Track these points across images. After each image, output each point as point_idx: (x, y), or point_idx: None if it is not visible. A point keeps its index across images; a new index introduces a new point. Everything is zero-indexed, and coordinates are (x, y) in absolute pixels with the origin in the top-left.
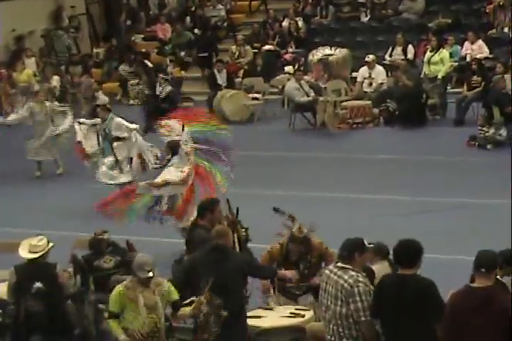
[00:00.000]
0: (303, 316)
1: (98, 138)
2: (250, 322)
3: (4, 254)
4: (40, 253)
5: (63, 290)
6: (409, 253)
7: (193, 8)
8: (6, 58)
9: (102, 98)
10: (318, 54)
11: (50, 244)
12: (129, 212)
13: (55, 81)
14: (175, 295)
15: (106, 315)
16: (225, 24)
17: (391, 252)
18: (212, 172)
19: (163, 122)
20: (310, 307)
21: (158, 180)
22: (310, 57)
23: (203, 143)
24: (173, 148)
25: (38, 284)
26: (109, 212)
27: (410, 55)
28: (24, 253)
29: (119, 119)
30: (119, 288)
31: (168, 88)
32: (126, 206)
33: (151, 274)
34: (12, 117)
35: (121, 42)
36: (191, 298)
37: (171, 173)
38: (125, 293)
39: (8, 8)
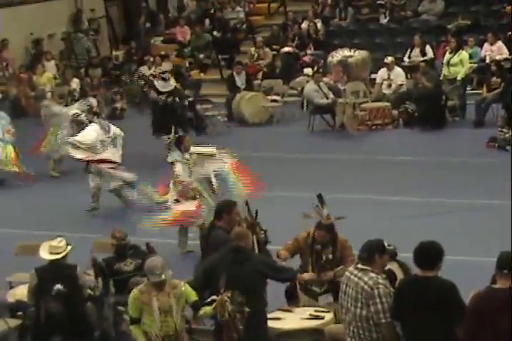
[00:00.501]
0: (322, 318)
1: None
2: (270, 324)
3: (26, 257)
4: (61, 255)
5: (83, 292)
6: (430, 255)
7: (212, 11)
8: (26, 61)
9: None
10: (337, 56)
11: (70, 246)
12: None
13: (75, 83)
14: (193, 296)
15: (126, 317)
16: (244, 26)
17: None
18: None
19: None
20: (329, 308)
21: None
22: (329, 58)
23: None
24: None
25: (59, 286)
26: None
27: (429, 57)
28: (45, 254)
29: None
30: (133, 292)
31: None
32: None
33: (162, 277)
34: None
35: (140, 44)
36: (212, 298)
37: None
38: (140, 297)
39: (28, 12)
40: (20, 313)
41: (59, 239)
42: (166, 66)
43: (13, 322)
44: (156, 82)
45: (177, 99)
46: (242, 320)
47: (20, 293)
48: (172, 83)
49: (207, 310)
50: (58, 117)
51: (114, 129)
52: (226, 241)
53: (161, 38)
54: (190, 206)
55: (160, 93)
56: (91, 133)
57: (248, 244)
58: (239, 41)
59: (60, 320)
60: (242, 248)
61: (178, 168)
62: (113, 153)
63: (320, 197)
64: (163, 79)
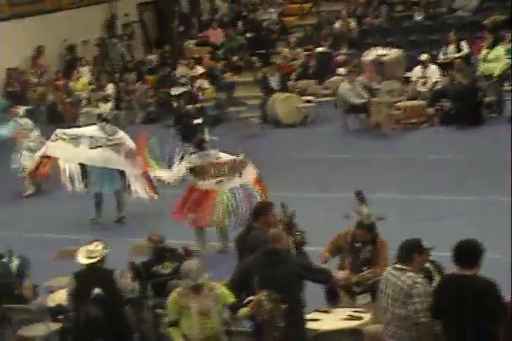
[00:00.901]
0: (361, 318)
1: None
2: (308, 325)
3: (65, 261)
4: (97, 259)
5: (122, 295)
6: (469, 253)
7: (244, 12)
8: (61, 68)
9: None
10: (371, 54)
11: (106, 250)
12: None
13: (110, 88)
14: (231, 298)
15: (164, 320)
16: (277, 27)
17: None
18: None
19: None
20: (368, 308)
21: None
22: (363, 57)
23: None
24: None
25: (97, 290)
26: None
27: (465, 53)
28: (82, 258)
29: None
30: (172, 295)
31: None
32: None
33: (198, 281)
34: None
35: (174, 48)
36: (248, 298)
37: None
38: (178, 300)
39: (62, 19)
40: (60, 317)
41: (96, 243)
42: (199, 69)
43: (54, 326)
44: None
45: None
46: (281, 318)
47: (60, 297)
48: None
49: (245, 311)
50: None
51: (122, 136)
52: (264, 243)
53: (194, 41)
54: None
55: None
56: (82, 128)
57: (284, 246)
58: (273, 42)
59: (99, 324)
60: (277, 250)
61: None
62: (114, 159)
63: (359, 194)
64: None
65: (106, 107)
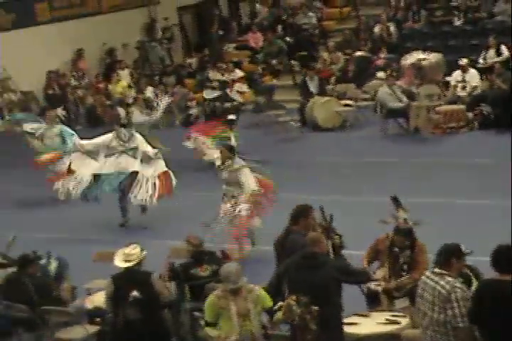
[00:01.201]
0: (399, 323)
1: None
2: (346, 329)
3: (104, 264)
4: (134, 262)
5: (159, 298)
6: (508, 258)
7: (284, 17)
8: (101, 71)
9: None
10: (410, 58)
11: (144, 252)
12: None
13: (149, 92)
14: (268, 302)
15: (202, 323)
16: (317, 31)
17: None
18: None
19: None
20: (406, 312)
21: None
22: (402, 61)
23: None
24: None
25: (135, 293)
26: None
27: (505, 58)
28: (119, 262)
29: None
30: (211, 297)
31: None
32: None
33: (237, 284)
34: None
35: (213, 51)
36: (279, 304)
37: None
38: (217, 302)
39: (102, 22)
40: (98, 319)
41: (133, 246)
42: (238, 73)
43: (92, 329)
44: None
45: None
46: (313, 321)
47: (98, 299)
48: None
49: (278, 315)
50: (141, 126)
51: (138, 140)
52: (303, 246)
53: (234, 45)
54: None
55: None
56: (99, 138)
57: (322, 249)
58: (314, 45)
59: (137, 327)
60: (315, 253)
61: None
62: (128, 163)
63: (395, 199)
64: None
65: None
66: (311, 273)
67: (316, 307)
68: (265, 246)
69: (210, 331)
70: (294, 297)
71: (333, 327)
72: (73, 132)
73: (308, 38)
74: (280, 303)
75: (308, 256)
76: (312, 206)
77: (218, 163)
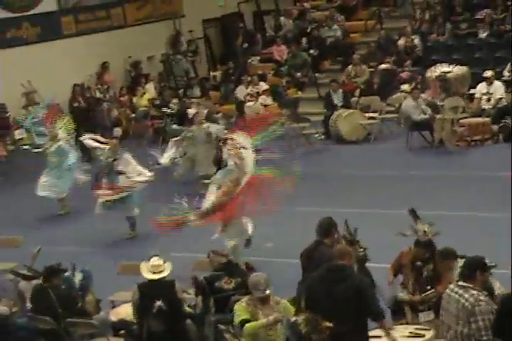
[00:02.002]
0: (423, 336)
1: None
2: None
3: (128, 276)
4: (163, 274)
5: (183, 308)
6: None
7: (308, 29)
8: (126, 83)
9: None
10: (435, 71)
11: (168, 263)
12: None
13: (174, 104)
14: (291, 315)
15: (226, 335)
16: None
17: None
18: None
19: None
20: (430, 325)
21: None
22: (427, 74)
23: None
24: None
25: (159, 303)
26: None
27: None
28: (148, 274)
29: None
30: (240, 303)
31: None
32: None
33: (266, 293)
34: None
35: (238, 64)
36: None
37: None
38: (247, 307)
39: (127, 35)
40: (122, 332)
41: (155, 258)
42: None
43: None
44: None
45: None
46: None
47: (123, 312)
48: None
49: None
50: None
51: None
52: (331, 258)
53: (258, 58)
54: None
55: None
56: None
57: (350, 263)
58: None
59: (161, 338)
60: (342, 266)
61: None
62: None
63: (413, 212)
64: None
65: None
66: (335, 286)
67: (328, 324)
68: (288, 258)
69: (255, 323)
70: (302, 316)
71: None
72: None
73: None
74: (294, 318)
75: (335, 268)
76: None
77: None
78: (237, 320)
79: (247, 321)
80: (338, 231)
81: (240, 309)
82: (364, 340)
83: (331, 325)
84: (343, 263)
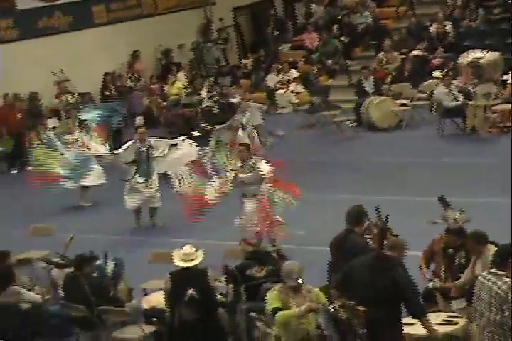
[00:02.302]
0: (455, 324)
1: None
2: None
3: (159, 264)
4: (195, 261)
5: (215, 296)
6: None
7: (339, 16)
8: (156, 72)
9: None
10: (468, 57)
11: (200, 252)
12: None
13: (204, 93)
14: (326, 302)
15: (258, 323)
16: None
17: None
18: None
19: None
20: (463, 313)
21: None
22: (460, 60)
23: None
24: None
25: (191, 291)
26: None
27: None
28: (180, 262)
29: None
30: (272, 291)
31: None
32: None
33: (299, 281)
34: None
35: (268, 52)
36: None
37: None
38: (279, 296)
39: (158, 23)
40: (154, 319)
41: (188, 246)
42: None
43: (149, 329)
44: None
45: None
46: (361, 325)
47: (155, 299)
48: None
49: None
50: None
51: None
52: (365, 247)
53: (289, 45)
54: None
55: None
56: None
57: (401, 256)
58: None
59: (193, 327)
60: (388, 256)
61: None
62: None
63: (443, 200)
64: None
65: None
66: (377, 274)
67: (363, 308)
68: (320, 246)
69: (287, 312)
70: (339, 302)
71: (392, 330)
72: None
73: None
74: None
75: (382, 257)
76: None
77: (238, 164)
78: (269, 308)
79: (279, 309)
80: (370, 219)
81: (272, 297)
82: (397, 328)
83: (365, 309)
84: (391, 254)
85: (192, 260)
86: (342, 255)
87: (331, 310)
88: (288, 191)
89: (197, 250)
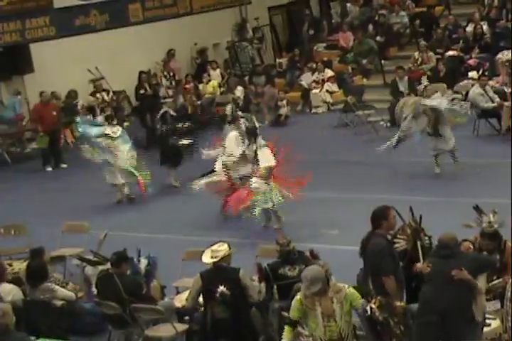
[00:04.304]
0: (489, 325)
1: None
2: None
3: (192, 262)
4: (218, 258)
5: (247, 295)
6: None
7: (376, 17)
8: (191, 71)
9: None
10: (504, 58)
11: (231, 250)
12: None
13: (239, 91)
14: (358, 300)
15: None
16: (408, 31)
17: None
18: None
19: None
20: (496, 315)
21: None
22: (499, 55)
23: None
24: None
25: (222, 288)
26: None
27: None
28: (206, 258)
29: None
30: (297, 297)
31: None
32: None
33: (310, 289)
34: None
35: (303, 51)
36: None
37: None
38: (304, 301)
39: (193, 22)
40: (187, 318)
41: (220, 244)
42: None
43: (180, 327)
44: None
45: None
46: (399, 324)
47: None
48: None
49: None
50: None
51: None
52: (386, 248)
53: (324, 44)
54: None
55: None
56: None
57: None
58: (402, 46)
59: (225, 326)
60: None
61: None
62: None
63: (477, 208)
64: None
65: None
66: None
67: (400, 303)
68: (353, 245)
69: (285, 333)
70: (376, 302)
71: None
72: None
73: (399, 37)
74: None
75: (441, 246)
76: (391, 206)
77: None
78: (290, 314)
79: (292, 322)
80: (395, 217)
81: (295, 304)
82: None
83: (402, 304)
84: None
85: (217, 257)
86: (365, 256)
87: (368, 311)
88: (286, 188)
89: (230, 248)
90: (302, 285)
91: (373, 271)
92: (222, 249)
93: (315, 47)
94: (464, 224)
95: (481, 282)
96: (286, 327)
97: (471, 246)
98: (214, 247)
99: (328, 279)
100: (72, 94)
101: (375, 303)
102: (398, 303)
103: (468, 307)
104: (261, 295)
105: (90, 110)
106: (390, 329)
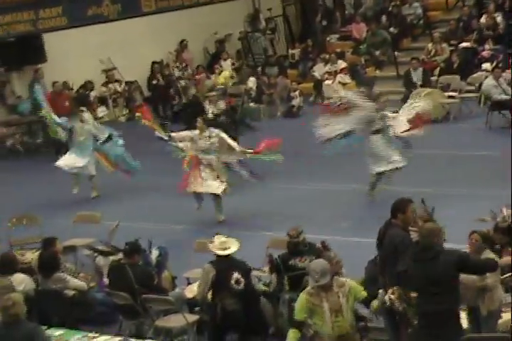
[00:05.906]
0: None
1: None
2: None
3: (203, 253)
4: (234, 249)
5: (256, 286)
6: None
7: (390, 8)
8: (203, 61)
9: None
10: None
11: (232, 240)
12: None
13: (251, 82)
14: (362, 293)
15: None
16: (421, 22)
17: None
18: None
19: None
20: (507, 308)
21: None
22: (510, 52)
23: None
24: None
25: (237, 275)
26: None
27: None
28: (219, 251)
29: None
30: (302, 295)
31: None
32: None
33: (320, 282)
34: None
35: (316, 42)
36: (380, 291)
37: None
38: (309, 299)
39: (205, 13)
40: (197, 308)
41: (219, 236)
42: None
43: (191, 318)
44: None
45: None
46: (416, 316)
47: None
48: None
49: (374, 306)
50: None
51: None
52: (403, 239)
53: (337, 36)
54: None
55: None
56: None
57: (440, 242)
58: (415, 37)
59: (236, 317)
60: (431, 245)
61: None
62: None
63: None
64: None
65: None
66: (425, 265)
67: (413, 294)
68: (364, 238)
69: (290, 337)
70: (395, 293)
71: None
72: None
73: (412, 28)
74: (380, 291)
75: (423, 248)
76: (411, 199)
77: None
78: (296, 316)
79: (297, 323)
80: (413, 212)
81: (299, 304)
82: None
83: (415, 295)
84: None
85: (229, 248)
86: (381, 247)
87: (387, 302)
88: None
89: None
90: (310, 278)
91: (391, 261)
92: (228, 240)
93: (328, 38)
94: (479, 219)
95: (492, 278)
96: (292, 330)
97: (477, 240)
98: (220, 239)
99: (339, 271)
100: (88, 85)
101: (393, 294)
102: (413, 294)
103: (453, 311)
104: (272, 286)
105: (102, 100)
106: (408, 320)
